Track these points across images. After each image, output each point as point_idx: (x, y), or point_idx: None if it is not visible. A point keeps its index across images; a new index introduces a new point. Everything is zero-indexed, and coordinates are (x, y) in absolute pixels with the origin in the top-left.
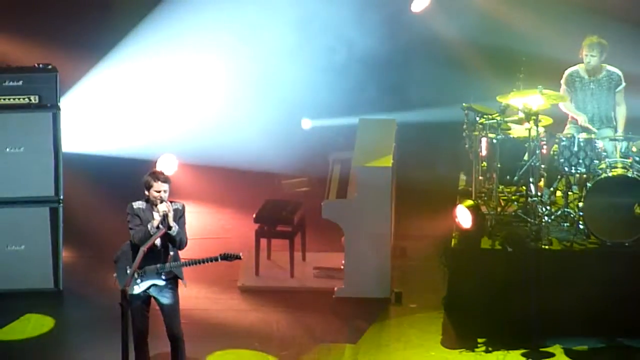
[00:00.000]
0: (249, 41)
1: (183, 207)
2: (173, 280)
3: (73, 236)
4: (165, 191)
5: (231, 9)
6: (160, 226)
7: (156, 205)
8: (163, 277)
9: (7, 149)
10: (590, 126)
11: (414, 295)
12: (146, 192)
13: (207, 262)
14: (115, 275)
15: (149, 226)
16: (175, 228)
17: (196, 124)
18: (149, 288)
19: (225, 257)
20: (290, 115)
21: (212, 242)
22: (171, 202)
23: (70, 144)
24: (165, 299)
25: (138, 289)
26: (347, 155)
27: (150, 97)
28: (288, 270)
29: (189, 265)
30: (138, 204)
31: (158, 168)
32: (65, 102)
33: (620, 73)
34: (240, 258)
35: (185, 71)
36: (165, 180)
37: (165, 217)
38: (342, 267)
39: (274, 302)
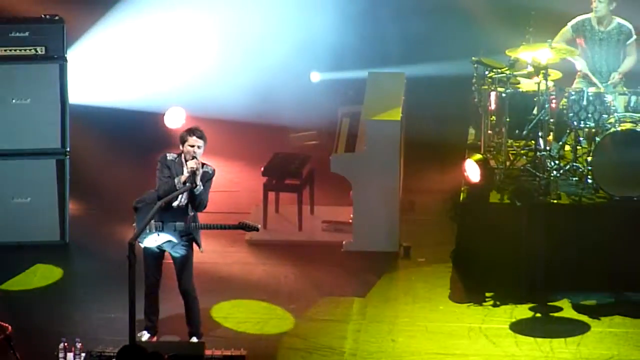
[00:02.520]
0: None
1: (213, 171)
2: (188, 239)
3: (79, 189)
4: (199, 147)
5: None
6: (187, 183)
7: (188, 161)
8: (180, 236)
9: (14, 100)
10: (589, 73)
11: (423, 249)
12: (180, 147)
13: (225, 228)
14: (134, 224)
15: (175, 180)
16: (199, 187)
17: (205, 77)
18: (163, 243)
19: (244, 226)
20: (299, 68)
21: (220, 196)
22: (203, 164)
23: (78, 96)
24: (178, 254)
25: (154, 242)
26: (356, 109)
27: (159, 49)
28: (296, 224)
29: (207, 228)
30: (171, 156)
31: (166, 121)
32: (72, 54)
33: (630, 26)
34: (257, 229)
35: (194, 24)
36: (201, 136)
37: (193, 174)
38: (350, 220)
39: (282, 255)
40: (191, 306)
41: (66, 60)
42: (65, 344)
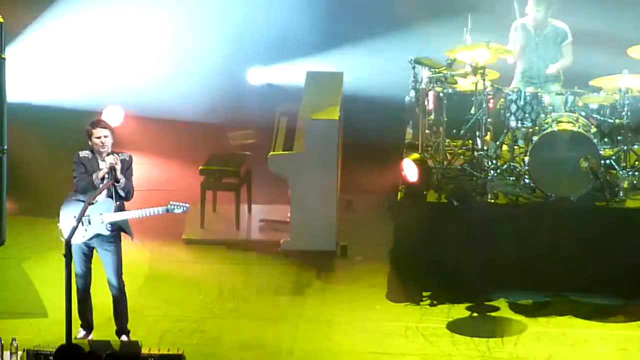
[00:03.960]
0: None
1: (130, 158)
2: (117, 232)
3: (16, 187)
4: (105, 136)
5: None
6: (107, 177)
7: (101, 154)
8: (108, 228)
9: None
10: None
11: (360, 248)
12: (88, 141)
13: (155, 213)
14: (59, 225)
15: (94, 176)
16: (122, 181)
17: (142, 75)
18: (92, 238)
19: (173, 207)
20: (237, 66)
21: (158, 194)
22: (118, 153)
23: (15, 94)
24: (108, 250)
25: (82, 238)
26: (294, 108)
27: (97, 48)
28: (234, 223)
29: (136, 216)
30: (84, 153)
31: (103, 118)
32: (10, 52)
33: (566, 28)
34: (187, 209)
35: (133, 22)
36: (105, 126)
37: (112, 169)
38: (288, 219)
39: (219, 254)
40: (120, 303)
41: (4, 59)
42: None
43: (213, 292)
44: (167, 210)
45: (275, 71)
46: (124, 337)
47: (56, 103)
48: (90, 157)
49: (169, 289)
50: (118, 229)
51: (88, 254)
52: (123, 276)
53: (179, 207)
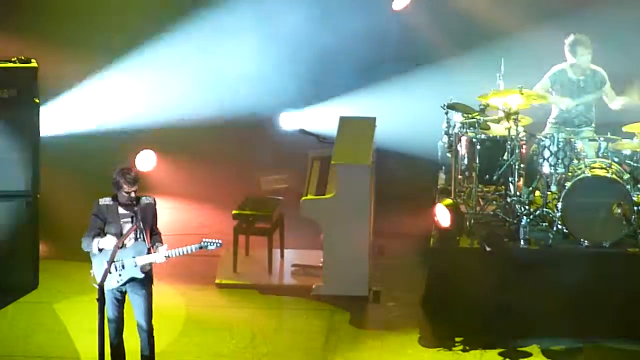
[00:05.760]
0: (226, 36)
1: (154, 201)
2: (149, 275)
3: (49, 230)
4: (135, 191)
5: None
6: (131, 221)
7: (122, 204)
8: (141, 271)
9: None
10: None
11: (392, 294)
12: (115, 191)
13: (189, 252)
14: (92, 270)
15: (94, 242)
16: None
17: (176, 118)
18: (126, 283)
19: (206, 245)
20: (270, 109)
21: (190, 238)
22: (141, 197)
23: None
24: (140, 294)
25: (116, 283)
26: (326, 153)
27: (132, 89)
28: (266, 267)
29: (171, 256)
30: (105, 201)
31: (137, 163)
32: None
33: (604, 72)
34: (220, 245)
35: (165, 62)
36: (135, 180)
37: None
38: (320, 264)
39: (252, 299)
40: (149, 345)
41: (38, 103)
42: None
43: (246, 337)
44: (201, 247)
45: (308, 115)
46: None
47: (90, 145)
48: (111, 204)
49: (202, 334)
50: (149, 272)
51: (120, 299)
52: (154, 320)
53: (212, 243)
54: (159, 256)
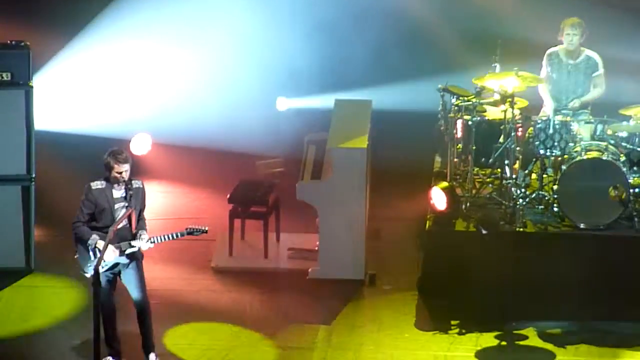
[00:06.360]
0: (222, 20)
1: (143, 185)
2: (135, 254)
3: (45, 215)
4: (126, 171)
5: None
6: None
7: (116, 183)
8: (126, 257)
9: None
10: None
11: (388, 277)
12: (107, 173)
13: (174, 238)
14: (76, 257)
15: (90, 239)
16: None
17: (171, 103)
18: (114, 266)
19: (192, 231)
20: (266, 95)
21: (185, 223)
22: (131, 180)
23: (43, 122)
24: (132, 268)
25: (101, 268)
26: (322, 136)
27: (124, 75)
28: (262, 251)
29: (156, 242)
30: (97, 184)
31: (132, 147)
32: (38, 80)
33: (598, 59)
34: (206, 232)
35: (161, 51)
36: (126, 160)
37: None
38: (316, 248)
39: (248, 282)
40: (147, 321)
41: (32, 87)
42: None
43: (241, 321)
44: (188, 234)
45: (304, 101)
46: (152, 356)
47: (84, 131)
48: (104, 187)
49: (197, 317)
50: (136, 252)
51: (113, 281)
52: (151, 303)
53: (197, 230)
54: (143, 243)
